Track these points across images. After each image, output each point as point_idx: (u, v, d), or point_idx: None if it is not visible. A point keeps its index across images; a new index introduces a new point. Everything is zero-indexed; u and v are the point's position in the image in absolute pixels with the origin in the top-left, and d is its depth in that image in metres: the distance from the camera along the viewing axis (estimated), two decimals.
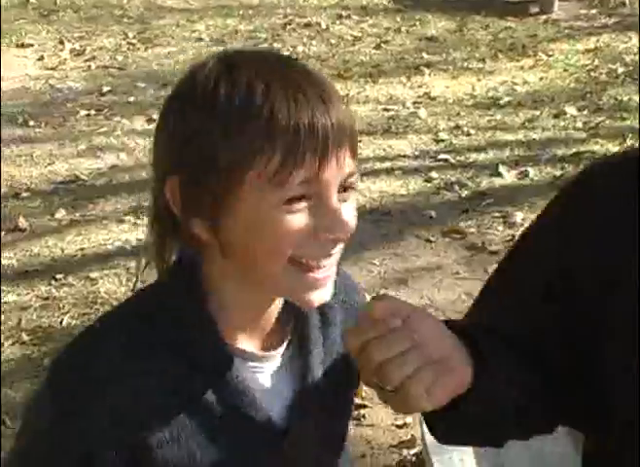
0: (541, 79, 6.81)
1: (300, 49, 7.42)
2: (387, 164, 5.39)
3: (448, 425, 1.20)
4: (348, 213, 1.09)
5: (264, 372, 1.19)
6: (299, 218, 1.06)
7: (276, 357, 1.20)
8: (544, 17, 8.35)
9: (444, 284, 4.15)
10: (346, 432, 1.34)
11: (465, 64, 7.14)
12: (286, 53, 1.14)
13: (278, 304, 1.19)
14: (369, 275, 4.19)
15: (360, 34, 7.88)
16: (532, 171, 5.25)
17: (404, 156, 5.52)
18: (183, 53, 7.27)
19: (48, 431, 1.13)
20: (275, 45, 7.51)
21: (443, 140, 5.73)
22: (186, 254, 1.16)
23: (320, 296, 1.12)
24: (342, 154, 1.07)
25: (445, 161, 5.42)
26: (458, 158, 5.47)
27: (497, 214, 4.78)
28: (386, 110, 6.21)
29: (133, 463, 1.11)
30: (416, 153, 5.55)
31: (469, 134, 5.82)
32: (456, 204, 4.92)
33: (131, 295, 1.22)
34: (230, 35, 7.75)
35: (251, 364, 1.17)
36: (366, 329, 1.07)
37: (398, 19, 8.26)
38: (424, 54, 7.34)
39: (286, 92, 1.04)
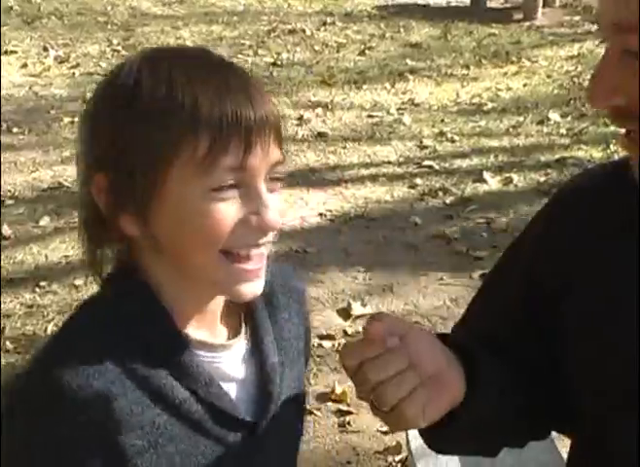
0: (525, 85, 6.84)
1: (284, 55, 7.44)
2: (372, 171, 5.40)
3: (441, 437, 1.21)
4: (277, 202, 1.12)
5: (223, 362, 1.19)
6: (228, 206, 1.08)
7: (233, 347, 1.20)
8: (527, 23, 8.41)
9: (429, 290, 4.16)
10: (303, 416, 1.35)
11: (449, 71, 7.17)
12: (202, 47, 1.18)
13: (223, 297, 1.20)
14: (354, 282, 4.19)
15: (344, 41, 7.91)
16: (516, 177, 5.27)
17: (388, 162, 5.53)
18: None
19: (26, 454, 1.10)
20: (260, 51, 7.52)
21: (427, 146, 5.74)
22: (122, 256, 1.16)
23: (252, 288, 1.13)
24: (267, 143, 1.09)
25: (430, 167, 5.44)
26: (442, 164, 5.49)
27: (481, 220, 4.80)
28: (370, 116, 6.22)
29: None
30: (401, 159, 5.57)
31: (453, 141, 5.83)
32: (441, 210, 4.93)
33: (81, 304, 1.20)
34: (214, 41, 7.75)
35: (208, 354, 1.17)
36: (362, 349, 1.07)
37: (382, 26, 8.30)
38: (408, 61, 7.36)
39: (208, 85, 1.07)
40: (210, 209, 1.07)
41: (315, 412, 3.34)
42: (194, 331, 1.17)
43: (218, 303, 1.20)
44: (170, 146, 1.06)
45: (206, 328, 1.18)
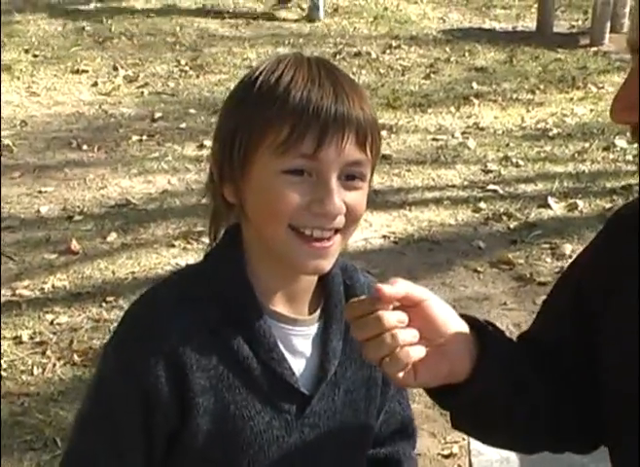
0: (591, 111, 6.80)
1: None
2: (436, 194, 5.41)
3: (454, 412, 1.28)
4: (350, 197, 1.24)
5: (296, 335, 1.31)
6: (296, 188, 1.21)
7: (308, 323, 1.33)
8: (594, 48, 8.35)
9: (492, 315, 4.14)
10: (374, 424, 1.43)
11: (514, 95, 7.15)
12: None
13: (312, 279, 1.32)
14: None
15: (409, 64, 7.93)
16: (581, 203, 5.24)
17: (452, 186, 5.54)
18: (234, 80, 7.31)
19: (110, 377, 1.29)
20: None
21: (491, 171, 5.74)
22: (230, 227, 1.33)
23: (315, 264, 1.25)
24: (344, 141, 1.21)
25: (494, 191, 5.43)
26: (507, 189, 5.48)
27: (546, 246, 4.78)
28: (435, 140, 6.24)
29: (182, 408, 1.25)
30: (465, 183, 5.57)
31: (518, 165, 5.82)
32: (505, 235, 4.92)
33: (184, 266, 1.40)
34: None
35: (283, 325, 1.30)
36: (353, 308, 1.16)
37: (447, 50, 8.31)
38: (473, 85, 7.36)
39: (306, 83, 1.22)
40: (278, 189, 1.21)
41: None
42: (276, 302, 1.30)
43: (306, 285, 1.32)
44: (261, 129, 1.22)
45: (288, 302, 1.31)
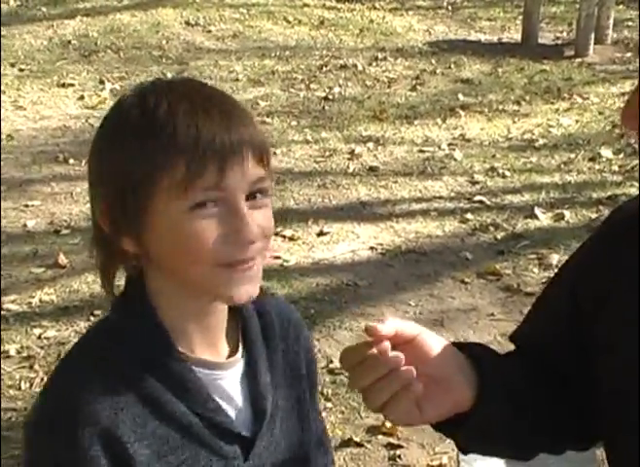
0: (576, 122, 6.84)
1: (336, 90, 7.50)
2: (423, 205, 5.43)
3: (461, 437, 1.27)
4: (260, 218, 1.19)
5: (224, 379, 1.26)
6: (207, 222, 1.15)
7: (233, 364, 1.28)
8: (579, 60, 8.40)
9: (480, 325, 4.16)
10: (312, 440, 1.40)
11: (500, 106, 7.18)
12: (201, 80, 1.27)
13: (224, 315, 1.27)
14: (404, 316, 4.20)
15: (396, 76, 7.95)
16: (568, 214, 5.26)
17: (439, 197, 5.55)
18: None
19: None
20: (312, 85, 7.59)
21: (478, 182, 5.75)
22: (131, 276, 1.25)
23: (246, 290, 1.19)
24: (245, 163, 1.16)
25: (481, 202, 5.45)
26: (494, 199, 5.49)
27: (533, 256, 4.79)
28: (422, 151, 6.25)
29: None
30: (452, 194, 5.59)
31: (504, 176, 5.84)
32: (492, 246, 4.93)
33: (93, 325, 1.29)
34: (266, 76, 7.84)
35: (209, 372, 1.24)
36: (350, 354, 1.12)
37: (433, 62, 8.34)
38: (460, 96, 7.39)
39: (189, 112, 1.15)
40: (190, 226, 1.14)
41: (366, 444, 3.35)
42: (195, 348, 1.24)
43: (220, 321, 1.27)
44: (151, 172, 1.14)
45: (208, 346, 1.26)
